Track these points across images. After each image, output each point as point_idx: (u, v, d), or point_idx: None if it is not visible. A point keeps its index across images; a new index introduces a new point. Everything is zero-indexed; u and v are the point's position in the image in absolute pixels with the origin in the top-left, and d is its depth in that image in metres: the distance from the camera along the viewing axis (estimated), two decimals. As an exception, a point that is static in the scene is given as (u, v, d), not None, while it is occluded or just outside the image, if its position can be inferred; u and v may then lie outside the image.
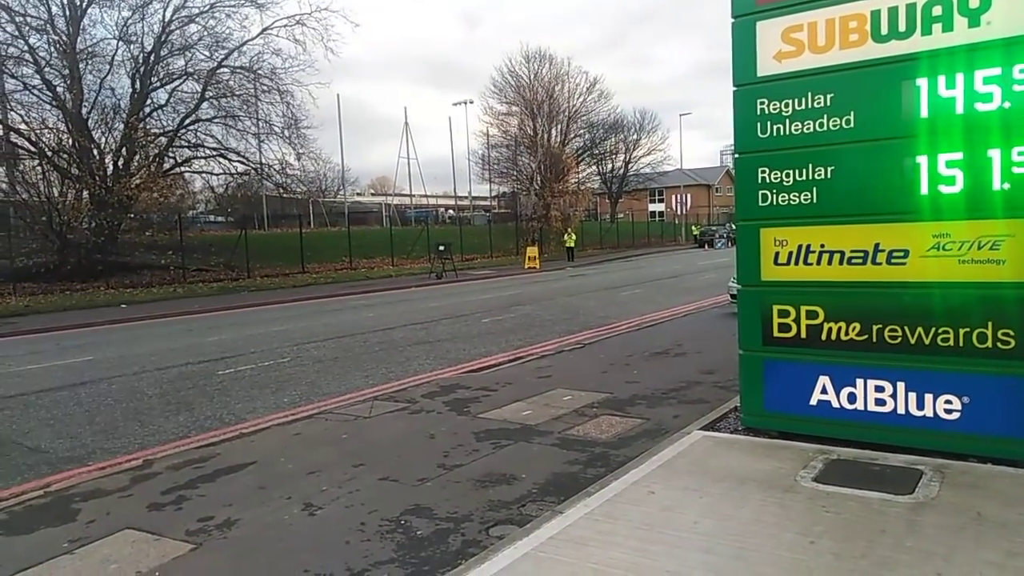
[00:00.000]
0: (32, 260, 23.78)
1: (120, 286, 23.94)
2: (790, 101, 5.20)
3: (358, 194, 64.03)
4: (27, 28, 24.09)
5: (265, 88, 27.77)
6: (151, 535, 4.35)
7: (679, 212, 64.49)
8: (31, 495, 5.23)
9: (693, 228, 58.75)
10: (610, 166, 66.14)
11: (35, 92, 24.42)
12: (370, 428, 6.72)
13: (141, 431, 7.08)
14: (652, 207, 74.00)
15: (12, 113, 24.48)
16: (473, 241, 39.25)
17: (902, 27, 4.78)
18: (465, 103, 52.17)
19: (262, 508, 4.74)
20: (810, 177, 5.16)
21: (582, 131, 55.62)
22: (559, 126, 49.20)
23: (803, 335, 5.26)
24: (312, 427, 6.85)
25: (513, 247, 40.82)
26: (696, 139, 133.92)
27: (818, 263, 5.18)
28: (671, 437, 5.60)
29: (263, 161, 29.41)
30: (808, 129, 5.14)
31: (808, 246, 5.21)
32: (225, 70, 27.58)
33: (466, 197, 58.79)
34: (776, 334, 5.37)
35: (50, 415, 7.85)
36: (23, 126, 24.30)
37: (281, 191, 31.76)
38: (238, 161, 28.76)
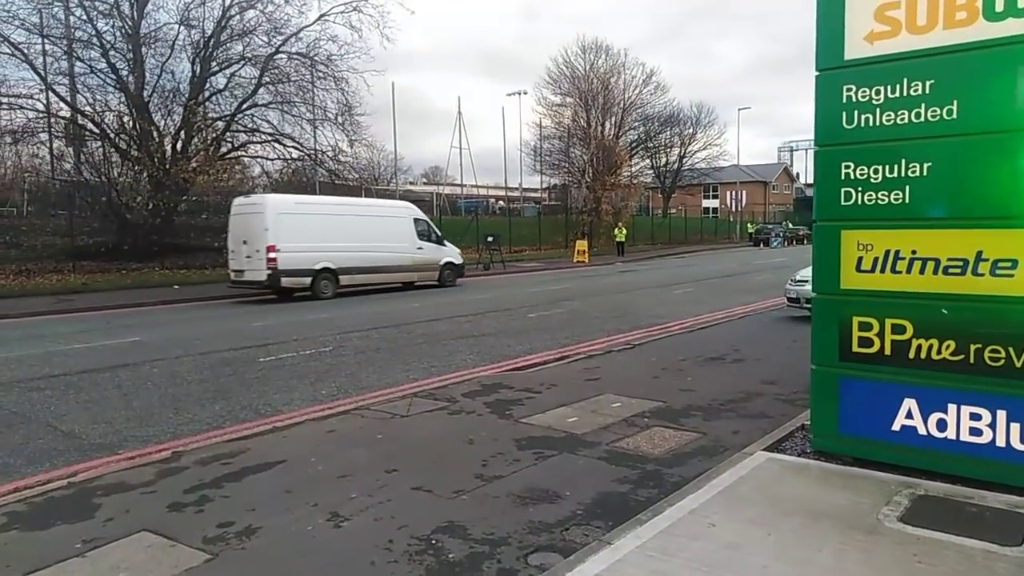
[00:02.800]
0: (92, 239, 24.38)
1: (175, 267, 24.35)
2: (882, 88, 4.60)
3: (411, 183, 64.18)
4: (95, 13, 24.65)
5: (321, 75, 27.89)
6: (167, 540, 4.07)
7: (734, 209, 62.74)
8: (55, 485, 5.05)
9: (748, 226, 57.13)
10: (664, 160, 64.76)
11: (100, 75, 25.06)
12: (407, 428, 6.38)
13: (175, 419, 6.91)
14: (706, 203, 72.35)
15: (79, 96, 25.14)
16: (522, 233, 38.79)
17: (1022, 2, 4.15)
18: (519, 94, 51.50)
19: (286, 516, 4.42)
20: (902, 174, 4.57)
21: (636, 124, 54.74)
22: (613, 118, 48.45)
23: (887, 351, 4.68)
24: (347, 424, 6.55)
25: (562, 240, 40.22)
26: (754, 135, 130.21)
27: (908, 271, 4.59)
28: (731, 458, 5.09)
29: (317, 147, 29.60)
30: (902, 120, 4.55)
31: (897, 252, 4.62)
32: (282, 56, 27.76)
33: (517, 188, 58.36)
34: (855, 349, 4.80)
35: (88, 397, 7.77)
36: (88, 108, 24.93)
37: (334, 177, 31.87)
38: (292, 147, 28.98)
